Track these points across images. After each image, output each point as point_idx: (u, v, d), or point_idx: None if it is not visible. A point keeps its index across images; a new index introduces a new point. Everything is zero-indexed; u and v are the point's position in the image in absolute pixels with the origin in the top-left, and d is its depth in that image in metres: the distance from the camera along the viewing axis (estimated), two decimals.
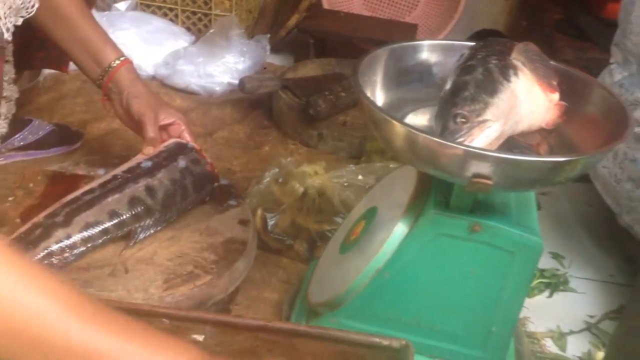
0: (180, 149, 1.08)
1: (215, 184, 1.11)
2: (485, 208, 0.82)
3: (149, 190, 0.99)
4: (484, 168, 0.68)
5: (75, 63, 1.12)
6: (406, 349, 0.76)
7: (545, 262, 1.27)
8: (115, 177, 1.01)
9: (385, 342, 0.77)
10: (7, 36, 0.93)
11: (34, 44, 1.26)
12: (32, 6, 0.98)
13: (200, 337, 0.78)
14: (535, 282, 1.21)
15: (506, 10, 2.30)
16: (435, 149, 0.70)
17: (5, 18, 0.91)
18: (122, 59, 1.09)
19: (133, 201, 0.98)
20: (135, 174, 1.01)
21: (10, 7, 0.92)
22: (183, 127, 1.10)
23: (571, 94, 0.84)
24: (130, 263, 0.94)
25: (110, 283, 0.90)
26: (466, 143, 0.70)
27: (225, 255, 0.99)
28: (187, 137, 1.10)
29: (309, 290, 0.96)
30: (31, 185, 1.07)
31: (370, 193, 1.01)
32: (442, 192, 0.83)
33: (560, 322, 1.12)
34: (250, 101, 1.71)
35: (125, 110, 1.08)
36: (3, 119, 1.19)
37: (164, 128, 1.10)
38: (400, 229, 0.83)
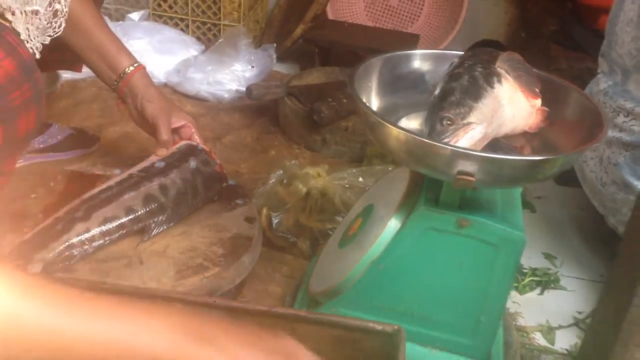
0: (191, 150, 1.15)
1: (224, 184, 1.18)
2: (472, 205, 0.88)
3: (163, 188, 1.07)
4: (466, 165, 0.75)
5: (92, 69, 1.18)
6: (398, 333, 0.83)
7: (538, 262, 1.33)
8: (131, 176, 1.08)
9: (379, 327, 0.84)
10: (37, 56, 0.99)
11: (48, 46, 1.31)
12: (59, 26, 1.04)
13: None
14: (527, 280, 1.27)
15: (506, 22, 2.37)
16: (423, 148, 0.77)
17: (34, 39, 0.97)
18: (135, 65, 1.16)
19: (148, 198, 1.05)
20: (149, 173, 1.09)
21: (37, 28, 0.98)
22: (193, 130, 1.18)
23: (553, 100, 0.91)
24: (144, 255, 1.01)
25: (126, 273, 0.97)
26: (451, 143, 0.77)
27: (232, 250, 1.06)
28: (197, 139, 1.18)
29: (310, 282, 1.03)
30: (52, 184, 1.14)
31: (368, 193, 1.08)
32: (432, 190, 0.89)
33: (550, 318, 1.18)
34: (257, 107, 1.78)
35: (139, 114, 1.16)
36: None
37: (175, 130, 1.17)
38: (393, 224, 0.90)
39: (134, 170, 1.10)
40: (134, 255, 1.01)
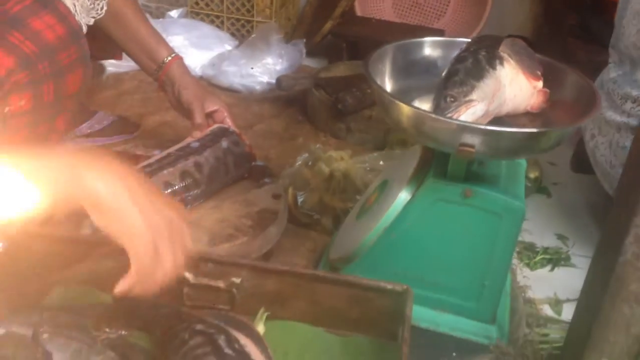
0: (223, 132, 1.26)
1: (253, 163, 1.29)
2: (477, 178, 0.96)
3: (197, 165, 1.17)
4: (467, 138, 0.83)
5: (133, 59, 1.30)
6: (406, 292, 0.92)
7: (550, 242, 1.40)
8: (169, 154, 1.19)
9: (389, 287, 0.93)
10: (84, 30, 1.11)
11: (90, 35, 1.41)
12: (102, 8, 1.17)
13: (237, 280, 0.95)
14: (539, 257, 1.33)
15: (531, 18, 2.41)
16: (428, 122, 0.85)
17: (80, 16, 1.09)
18: (173, 55, 1.27)
19: (184, 174, 1.16)
20: (185, 152, 1.20)
21: (82, 6, 1.11)
22: (225, 114, 1.29)
23: (555, 82, 0.99)
24: None
25: None
26: (454, 118, 0.85)
27: (259, 222, 1.16)
28: (228, 122, 1.28)
29: (330, 251, 1.12)
30: None
31: (384, 171, 1.17)
32: (440, 165, 0.98)
33: (559, 291, 1.24)
34: (287, 98, 1.89)
35: (176, 100, 1.28)
36: None
37: (209, 115, 1.28)
38: (404, 196, 0.99)
39: (172, 149, 1.21)
40: None
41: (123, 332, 0.90)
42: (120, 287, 0.76)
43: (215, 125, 1.28)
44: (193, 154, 1.19)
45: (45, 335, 0.87)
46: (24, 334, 0.87)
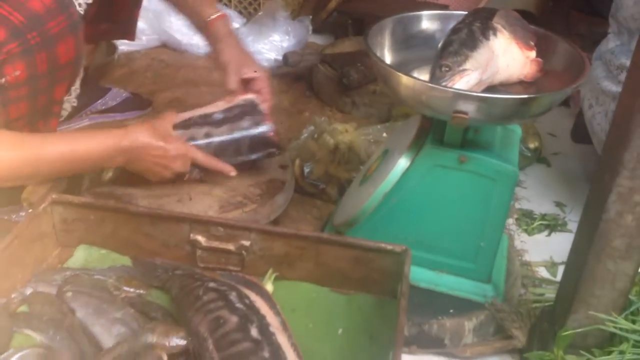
0: (250, 108, 1.20)
1: (272, 150, 1.22)
2: (473, 144, 1.01)
3: (207, 136, 1.21)
4: (460, 105, 0.88)
5: (187, 19, 1.32)
6: (405, 252, 0.98)
7: (548, 209, 1.45)
8: (190, 118, 1.19)
9: (389, 247, 0.99)
10: (80, 10, 1.10)
11: (100, 17, 1.42)
12: None
13: (247, 243, 1.01)
14: (536, 223, 1.38)
15: None
16: (424, 90, 0.90)
17: None
18: (218, 14, 1.24)
19: (190, 141, 1.16)
20: (204, 121, 1.18)
21: None
22: (264, 84, 1.23)
23: (548, 52, 1.03)
24: (193, 194, 1.19)
25: (178, 207, 1.14)
26: (448, 86, 0.90)
27: (267, 191, 1.22)
28: (265, 94, 1.22)
29: (334, 216, 1.18)
30: None
31: (385, 141, 1.22)
32: (437, 132, 1.03)
33: (555, 255, 1.29)
34: (294, 75, 1.93)
35: (216, 59, 1.25)
36: (74, 96, 1.32)
37: (246, 81, 1.23)
38: (403, 162, 1.04)
39: (196, 113, 1.20)
40: (185, 193, 1.18)
41: (141, 291, 0.97)
42: None
43: (247, 96, 1.21)
44: (209, 125, 1.18)
45: (69, 294, 0.94)
46: (49, 293, 0.95)
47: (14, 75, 0.95)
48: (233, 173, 1.16)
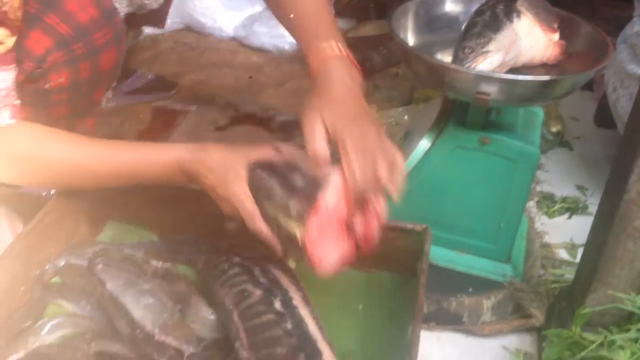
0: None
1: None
2: (495, 126, 1.02)
3: None
4: (482, 86, 0.89)
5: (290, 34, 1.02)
6: (425, 231, 0.99)
7: (569, 192, 1.45)
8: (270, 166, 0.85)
9: (410, 227, 1.00)
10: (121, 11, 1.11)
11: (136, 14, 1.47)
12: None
13: None
14: (557, 206, 1.39)
15: None
16: (447, 72, 0.91)
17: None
18: (333, 47, 0.88)
19: None
20: (282, 181, 0.82)
21: None
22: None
23: (571, 35, 1.03)
24: None
25: None
26: (470, 68, 0.91)
27: None
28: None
29: None
30: (141, 115, 1.36)
31: (407, 123, 1.24)
32: (460, 114, 1.04)
33: (575, 237, 1.30)
34: None
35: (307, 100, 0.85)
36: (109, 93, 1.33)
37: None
38: (424, 143, 1.05)
39: (278, 159, 0.84)
40: None
41: (168, 265, 1.00)
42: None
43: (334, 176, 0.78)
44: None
45: (99, 266, 0.97)
46: (81, 265, 0.98)
47: (58, 82, 0.97)
48: (278, 251, 0.85)
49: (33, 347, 0.86)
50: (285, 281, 0.89)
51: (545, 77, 0.90)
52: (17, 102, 0.88)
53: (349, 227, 0.76)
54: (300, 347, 0.77)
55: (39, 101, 0.92)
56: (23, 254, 0.93)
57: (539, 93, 0.91)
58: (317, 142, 0.76)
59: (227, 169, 0.83)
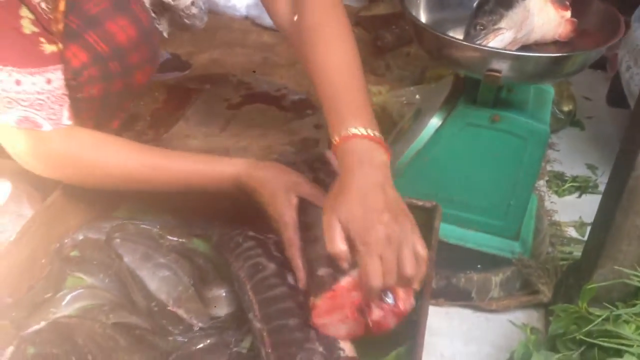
0: None
1: None
2: (505, 104, 1.03)
3: None
4: (493, 63, 0.90)
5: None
6: (435, 208, 1.00)
7: (580, 171, 1.45)
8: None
9: (420, 203, 1.02)
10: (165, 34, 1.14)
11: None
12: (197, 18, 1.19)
13: None
14: (567, 185, 1.39)
15: None
16: (458, 49, 0.92)
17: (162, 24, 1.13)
18: (356, 131, 0.80)
19: None
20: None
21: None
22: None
23: (583, 12, 1.03)
24: (231, 150, 1.24)
25: None
26: (482, 45, 0.92)
27: (302, 149, 1.27)
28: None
29: None
30: (156, 94, 1.38)
31: (417, 101, 1.24)
32: (471, 92, 1.04)
33: (584, 216, 1.30)
34: None
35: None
36: None
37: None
38: (435, 121, 1.06)
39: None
40: (223, 150, 1.23)
41: (184, 240, 1.03)
42: None
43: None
44: None
45: (117, 241, 1.00)
46: (99, 239, 1.01)
47: (90, 93, 0.98)
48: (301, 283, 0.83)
49: (54, 318, 0.89)
50: None
51: (556, 54, 0.91)
52: (68, 102, 0.90)
53: (361, 312, 0.76)
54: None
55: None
56: (43, 228, 0.96)
57: (550, 70, 0.91)
58: (336, 245, 0.74)
59: (279, 192, 0.85)
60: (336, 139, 0.81)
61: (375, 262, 0.72)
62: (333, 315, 0.76)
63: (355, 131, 0.80)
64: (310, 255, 0.82)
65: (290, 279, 0.83)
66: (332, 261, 0.76)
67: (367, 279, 0.72)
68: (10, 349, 0.84)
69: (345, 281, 0.75)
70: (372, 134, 0.81)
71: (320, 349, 0.74)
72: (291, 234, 0.83)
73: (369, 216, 0.74)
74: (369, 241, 0.72)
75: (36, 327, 0.87)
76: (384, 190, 0.77)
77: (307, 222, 0.84)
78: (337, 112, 0.83)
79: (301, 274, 0.82)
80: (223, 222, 1.02)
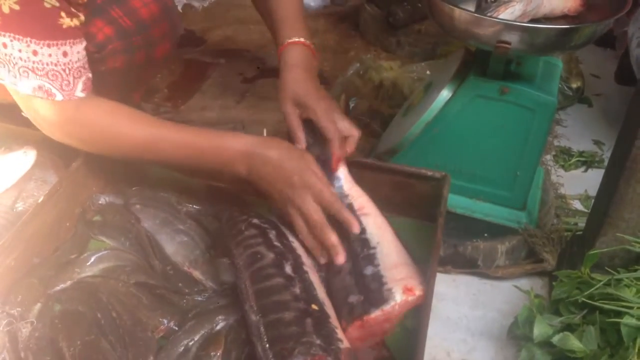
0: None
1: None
2: (514, 76, 1.06)
3: None
4: (503, 35, 0.92)
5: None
6: (444, 178, 1.04)
7: (586, 147, 1.48)
8: None
9: (429, 174, 1.05)
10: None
11: None
12: None
13: None
14: (573, 160, 1.42)
15: None
16: (469, 20, 0.94)
17: None
18: (295, 39, 1.07)
19: None
20: None
21: None
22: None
23: None
24: (246, 122, 1.27)
25: None
26: (492, 17, 0.94)
27: None
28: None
29: (377, 146, 1.25)
30: (172, 67, 1.41)
31: (428, 75, 1.27)
32: (481, 65, 1.07)
33: (590, 189, 1.33)
34: (340, 14, 1.97)
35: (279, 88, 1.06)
36: None
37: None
38: (446, 93, 1.09)
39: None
40: (239, 122, 1.27)
41: (200, 208, 1.06)
42: None
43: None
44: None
45: (137, 206, 1.05)
46: (119, 204, 1.05)
47: (113, 66, 1.02)
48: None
49: (78, 277, 0.93)
50: (299, 247, 0.91)
51: (565, 26, 0.93)
52: (90, 75, 0.93)
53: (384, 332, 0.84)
54: (308, 312, 0.78)
55: (93, 79, 0.96)
56: (67, 193, 1.00)
57: (559, 42, 0.94)
58: (296, 128, 1.01)
59: (299, 159, 0.92)
60: (280, 47, 1.08)
61: (328, 120, 0.99)
62: (363, 342, 0.83)
63: (298, 39, 1.08)
64: (336, 286, 0.87)
65: (288, 269, 0.84)
66: (361, 288, 0.84)
67: (318, 119, 0.99)
68: (38, 305, 0.89)
69: (375, 314, 0.81)
70: (306, 42, 1.09)
71: (318, 341, 0.74)
72: (330, 192, 0.91)
73: (312, 93, 1.02)
74: (313, 106, 1.00)
75: (62, 285, 0.92)
76: (316, 78, 1.08)
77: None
78: (281, 26, 1.10)
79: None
80: (233, 204, 1.03)
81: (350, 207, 0.94)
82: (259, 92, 1.37)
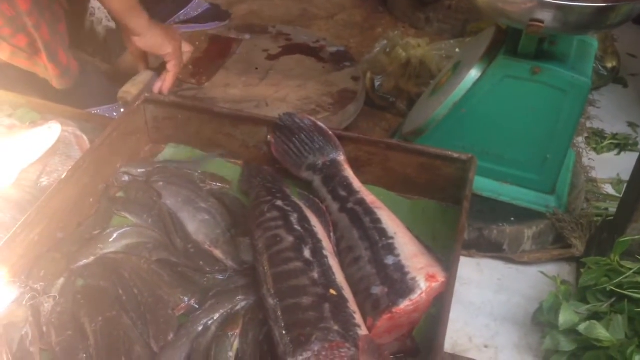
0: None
1: None
2: (547, 56, 1.02)
3: None
4: (536, 13, 0.89)
5: None
6: (471, 160, 1.01)
7: (620, 129, 1.43)
8: None
9: (456, 155, 1.02)
10: None
11: None
12: None
13: None
14: (606, 142, 1.38)
15: None
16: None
17: None
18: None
19: None
20: None
21: None
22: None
23: None
24: (270, 100, 1.26)
25: (255, 111, 1.22)
26: None
27: (339, 100, 1.28)
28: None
29: (403, 126, 1.22)
30: (197, 43, 1.40)
31: (457, 53, 1.23)
32: (512, 43, 1.03)
33: (622, 173, 1.29)
34: None
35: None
36: None
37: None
38: (474, 72, 1.06)
39: None
40: (262, 100, 1.25)
41: (225, 186, 1.06)
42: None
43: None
44: None
45: (160, 183, 1.04)
46: (142, 181, 1.05)
47: None
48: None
49: (101, 253, 0.94)
50: (320, 231, 0.89)
51: (601, 4, 0.89)
52: None
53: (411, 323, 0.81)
54: (326, 297, 0.77)
55: None
56: (91, 169, 1.00)
57: (594, 21, 0.90)
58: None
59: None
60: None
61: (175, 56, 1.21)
62: (391, 334, 0.80)
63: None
64: (355, 276, 0.84)
65: (306, 254, 0.82)
66: (383, 278, 0.81)
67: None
68: (61, 280, 0.89)
69: (403, 304, 0.78)
70: None
71: (336, 327, 0.72)
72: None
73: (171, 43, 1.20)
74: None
75: (85, 261, 0.92)
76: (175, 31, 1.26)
77: (347, 245, 0.88)
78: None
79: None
80: (260, 183, 1.02)
81: (362, 201, 0.93)
82: (283, 70, 1.35)
